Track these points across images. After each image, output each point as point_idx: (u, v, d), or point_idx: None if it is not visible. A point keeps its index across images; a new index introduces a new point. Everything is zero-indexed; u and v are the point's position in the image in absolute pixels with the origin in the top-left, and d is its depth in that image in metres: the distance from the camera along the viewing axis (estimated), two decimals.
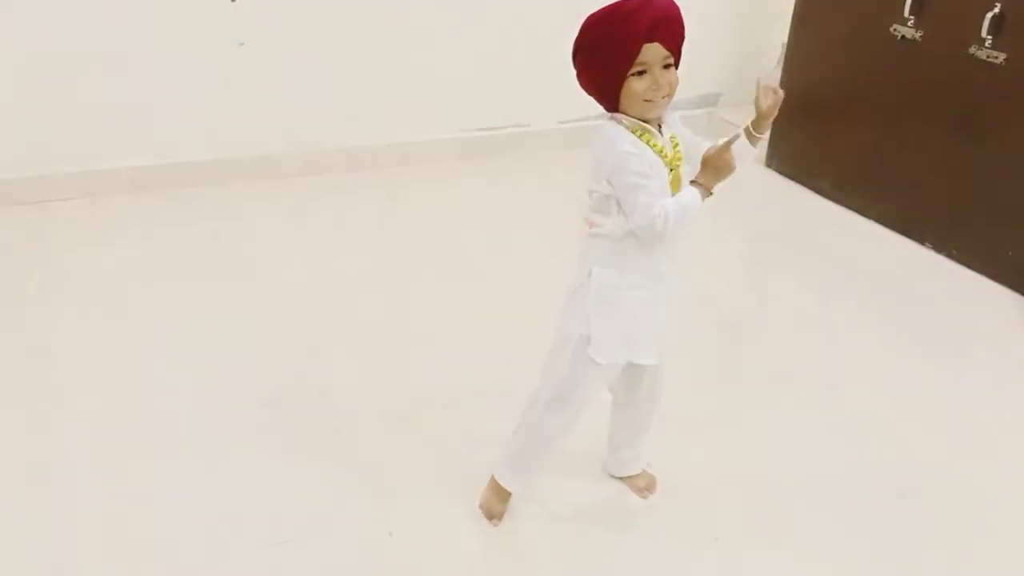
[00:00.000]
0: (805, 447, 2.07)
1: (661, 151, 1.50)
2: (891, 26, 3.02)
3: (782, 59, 3.56)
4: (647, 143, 1.49)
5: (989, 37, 2.71)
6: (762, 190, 3.56)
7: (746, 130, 1.56)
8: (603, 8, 1.47)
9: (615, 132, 1.49)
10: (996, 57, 2.71)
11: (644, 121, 1.49)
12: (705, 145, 1.56)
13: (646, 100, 1.46)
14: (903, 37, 3.00)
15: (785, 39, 3.51)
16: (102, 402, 2.10)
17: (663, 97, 1.48)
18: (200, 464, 1.93)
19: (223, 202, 3.13)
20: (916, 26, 2.95)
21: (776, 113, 1.56)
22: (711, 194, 1.50)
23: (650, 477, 1.91)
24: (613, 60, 1.45)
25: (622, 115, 1.50)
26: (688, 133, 1.60)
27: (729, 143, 1.48)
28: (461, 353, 2.33)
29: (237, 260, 2.76)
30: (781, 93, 1.56)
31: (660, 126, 1.53)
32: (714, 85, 4.03)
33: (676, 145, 1.54)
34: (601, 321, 1.57)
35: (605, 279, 1.56)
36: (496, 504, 1.79)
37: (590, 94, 1.53)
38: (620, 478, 1.92)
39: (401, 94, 3.44)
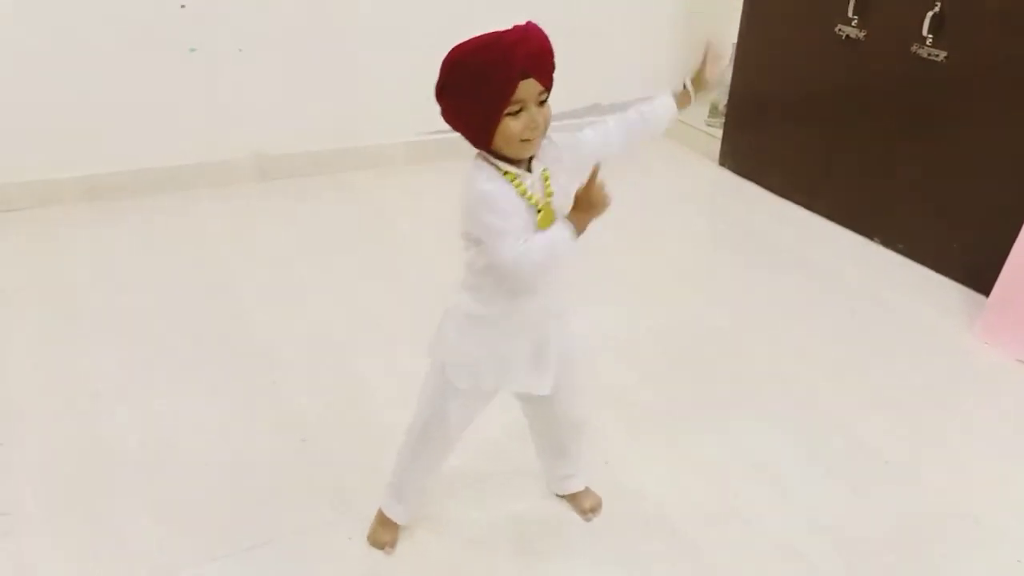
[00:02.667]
0: (763, 446, 2.09)
1: (524, 192, 1.40)
2: (836, 26, 3.08)
3: (731, 59, 3.61)
4: (511, 181, 1.39)
5: (930, 36, 2.78)
6: (715, 188, 3.61)
7: (682, 93, 1.52)
8: (471, 41, 1.34)
9: (476, 171, 1.40)
10: (937, 55, 2.78)
11: (514, 160, 1.40)
12: (590, 140, 1.50)
13: (523, 140, 1.36)
14: (847, 37, 3.06)
15: (735, 39, 3.57)
16: (57, 413, 2.08)
17: (538, 137, 1.39)
18: (155, 476, 1.91)
19: (176, 209, 3.11)
20: (860, 26, 3.02)
21: (717, 82, 1.48)
22: (582, 231, 1.40)
23: (595, 497, 1.86)
24: (487, 99, 1.33)
25: (486, 155, 1.41)
26: (570, 140, 1.49)
27: (594, 175, 1.38)
28: (417, 358, 2.33)
29: (193, 267, 2.74)
30: (726, 61, 1.49)
31: (531, 161, 1.43)
32: (665, 85, 4.06)
33: (547, 179, 1.43)
34: (461, 348, 1.52)
35: (467, 307, 1.50)
36: (383, 535, 1.75)
37: (459, 131, 1.41)
38: (563, 497, 1.87)
39: (355, 98, 3.43)
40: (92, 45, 2.98)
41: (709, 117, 3.91)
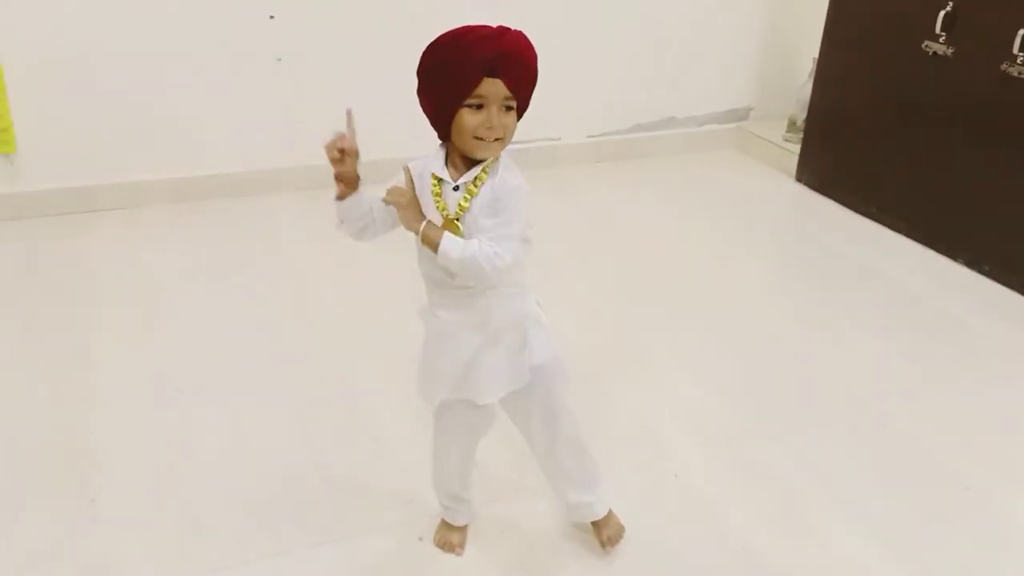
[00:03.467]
0: (833, 466, 2.06)
1: (440, 204, 1.42)
2: (923, 42, 3.02)
3: (811, 74, 3.56)
4: (432, 186, 1.42)
5: (1021, 54, 2.71)
6: (792, 204, 3.57)
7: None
8: (452, 30, 1.37)
9: (424, 160, 1.45)
10: None
11: (464, 161, 1.41)
12: (498, 206, 1.41)
13: (476, 137, 1.36)
14: (934, 53, 3.00)
15: (816, 53, 3.52)
16: (140, 407, 2.16)
17: (495, 140, 1.37)
18: (232, 471, 1.98)
19: (261, 213, 3.20)
20: (947, 42, 2.96)
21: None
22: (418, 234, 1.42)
23: (615, 526, 1.75)
24: (449, 87, 1.35)
25: (439, 147, 1.44)
26: (511, 186, 1.42)
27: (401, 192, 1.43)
28: None
29: (273, 269, 2.82)
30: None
31: (479, 173, 1.41)
32: (744, 99, 4.04)
33: (469, 194, 1.41)
34: (421, 356, 1.58)
35: (423, 308, 1.56)
36: (449, 536, 1.76)
37: (427, 114, 1.43)
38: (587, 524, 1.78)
39: None
40: (180, 51, 3.10)
41: (787, 132, 3.86)
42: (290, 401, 2.20)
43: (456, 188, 1.42)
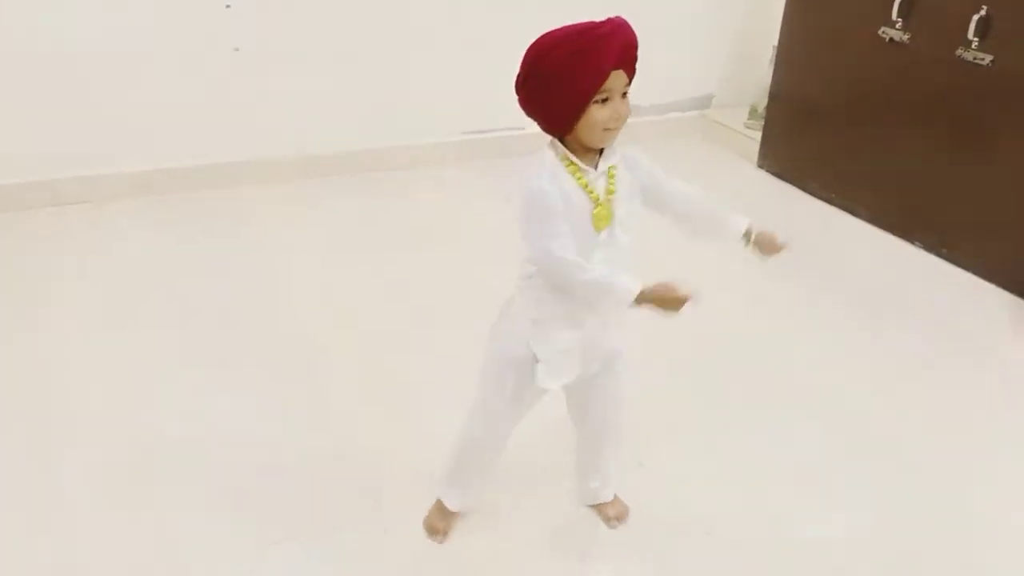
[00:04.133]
0: (800, 452, 2.09)
1: (586, 185, 1.43)
2: (879, 28, 3.06)
3: (771, 61, 3.59)
4: (572, 174, 1.43)
5: (976, 39, 2.75)
6: (754, 191, 3.59)
7: (743, 235, 1.65)
8: (564, 29, 1.38)
9: (539, 162, 1.44)
10: (983, 59, 2.75)
11: (585, 151, 1.43)
12: (675, 190, 1.55)
13: (606, 129, 1.40)
14: (891, 39, 3.03)
15: (776, 41, 3.55)
16: (108, 407, 2.13)
17: (620, 127, 1.42)
18: (198, 468, 1.95)
19: (224, 206, 3.16)
20: (904, 28, 2.99)
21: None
22: (640, 304, 1.41)
23: (622, 506, 1.86)
24: (579, 86, 1.36)
25: (558, 144, 1.44)
26: (646, 163, 1.53)
27: (683, 297, 1.44)
28: (461, 355, 2.35)
29: (239, 262, 2.79)
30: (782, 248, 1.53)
31: (599, 156, 1.45)
32: (706, 87, 4.06)
33: (612, 178, 1.45)
34: (513, 334, 1.57)
35: (522, 308, 1.55)
36: (437, 521, 1.78)
37: (536, 119, 1.44)
38: (591, 507, 1.87)
39: (399, 97, 3.46)
40: (138, 43, 3.04)
41: (748, 119, 3.89)
42: (258, 396, 2.18)
43: (600, 174, 1.45)
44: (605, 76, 1.36)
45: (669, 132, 3.98)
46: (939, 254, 3.01)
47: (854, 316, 2.66)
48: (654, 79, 3.91)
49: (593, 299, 1.46)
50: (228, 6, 3.10)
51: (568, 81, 1.37)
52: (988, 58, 2.74)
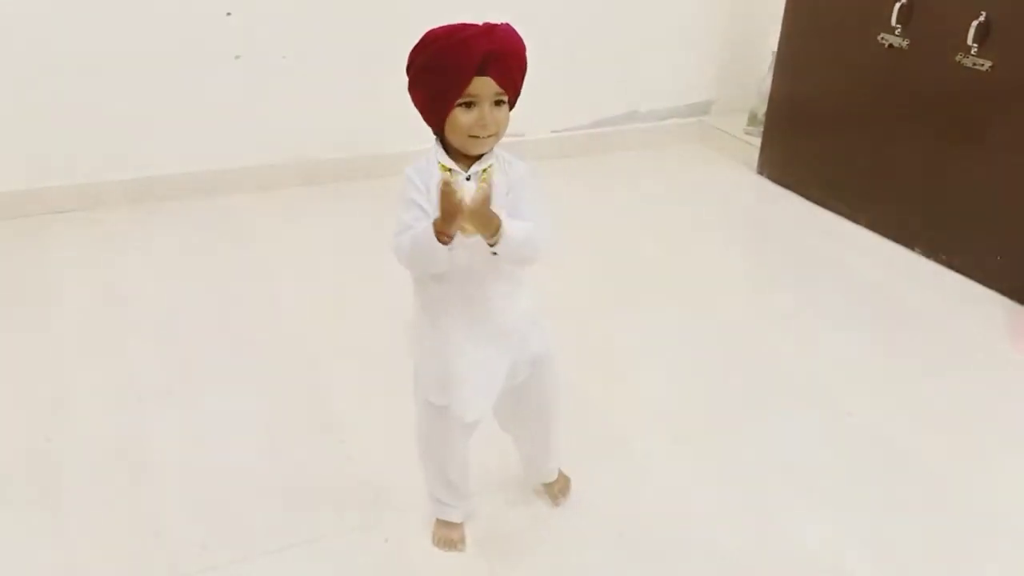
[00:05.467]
0: (798, 456, 2.08)
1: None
2: (879, 35, 3.06)
3: (771, 67, 3.60)
4: (441, 169, 1.41)
5: (975, 45, 2.75)
6: (753, 196, 3.59)
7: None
8: (442, 27, 1.37)
9: (426, 155, 1.44)
10: (982, 65, 2.75)
11: (461, 154, 1.42)
12: (525, 193, 1.45)
13: (471, 135, 1.38)
14: (890, 45, 3.04)
15: (775, 47, 3.55)
16: (105, 413, 2.13)
17: (489, 136, 1.39)
18: (196, 475, 1.95)
19: (222, 213, 3.16)
20: (903, 35, 2.99)
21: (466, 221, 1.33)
22: (449, 238, 1.35)
23: (563, 481, 1.85)
24: (441, 86, 1.35)
25: (437, 144, 1.43)
26: (520, 175, 1.46)
27: (448, 191, 1.31)
28: None
29: (237, 269, 2.79)
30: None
31: (474, 160, 1.43)
32: (706, 93, 4.07)
33: (483, 181, 1.41)
34: (420, 359, 1.54)
35: (415, 315, 1.52)
36: (448, 533, 1.75)
37: (419, 111, 1.44)
38: (537, 487, 1.87)
39: (397, 105, 3.46)
40: (139, 50, 3.05)
41: (748, 125, 3.89)
42: (255, 403, 2.17)
43: (468, 178, 1.43)
44: (466, 81, 1.33)
45: (668, 138, 3.99)
46: (938, 260, 3.01)
47: (853, 321, 2.66)
48: (653, 85, 3.95)
49: (418, 256, 1.39)
50: (229, 14, 3.11)
51: (433, 79, 1.36)
52: (987, 64, 2.74)
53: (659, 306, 2.69)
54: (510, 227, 1.36)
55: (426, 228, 1.36)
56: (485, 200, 1.31)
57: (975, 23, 2.73)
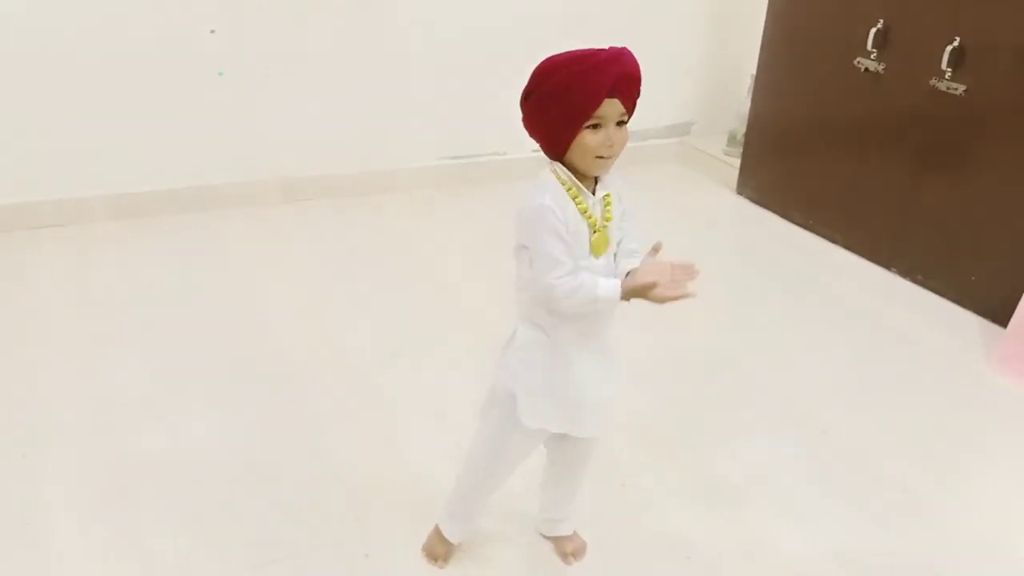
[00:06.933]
0: (775, 472, 2.11)
1: (585, 211, 1.43)
2: (855, 59, 3.12)
3: (750, 90, 3.65)
4: (573, 199, 1.42)
5: (949, 69, 2.81)
6: (732, 217, 3.63)
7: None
8: (568, 53, 1.40)
9: (540, 183, 1.43)
10: (956, 89, 2.81)
11: (582, 177, 1.43)
12: (638, 213, 1.52)
13: (598, 156, 1.40)
14: (866, 69, 3.09)
15: (754, 70, 3.60)
16: (86, 428, 2.11)
17: (613, 155, 1.42)
18: (178, 490, 1.94)
19: (204, 229, 3.16)
20: (879, 59, 3.05)
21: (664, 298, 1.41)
22: (629, 298, 1.42)
23: (579, 542, 1.83)
24: (571, 110, 1.38)
25: (559, 167, 1.44)
26: (628, 195, 1.52)
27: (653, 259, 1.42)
28: (441, 376, 2.36)
29: (220, 285, 2.79)
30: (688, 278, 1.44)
31: (596, 182, 1.46)
32: (686, 114, 4.11)
33: (608, 205, 1.46)
34: (528, 382, 1.52)
35: (529, 336, 1.51)
36: (438, 547, 1.76)
37: (535, 139, 1.45)
38: (548, 538, 1.84)
39: (379, 122, 3.49)
40: (122, 67, 3.05)
41: (727, 146, 3.94)
42: (237, 418, 2.17)
43: (594, 193, 1.46)
44: (597, 102, 1.37)
45: (649, 158, 4.02)
46: (914, 280, 3.06)
47: (831, 340, 2.69)
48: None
49: (584, 306, 1.42)
50: (212, 31, 3.13)
51: (562, 104, 1.38)
52: (961, 88, 2.80)
53: (637, 324, 2.70)
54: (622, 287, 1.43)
55: (612, 292, 1.40)
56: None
57: (949, 48, 2.79)
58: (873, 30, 3.02)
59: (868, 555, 1.87)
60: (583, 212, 1.43)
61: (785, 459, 2.14)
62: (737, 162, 3.78)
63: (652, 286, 1.39)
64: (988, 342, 2.70)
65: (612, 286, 1.40)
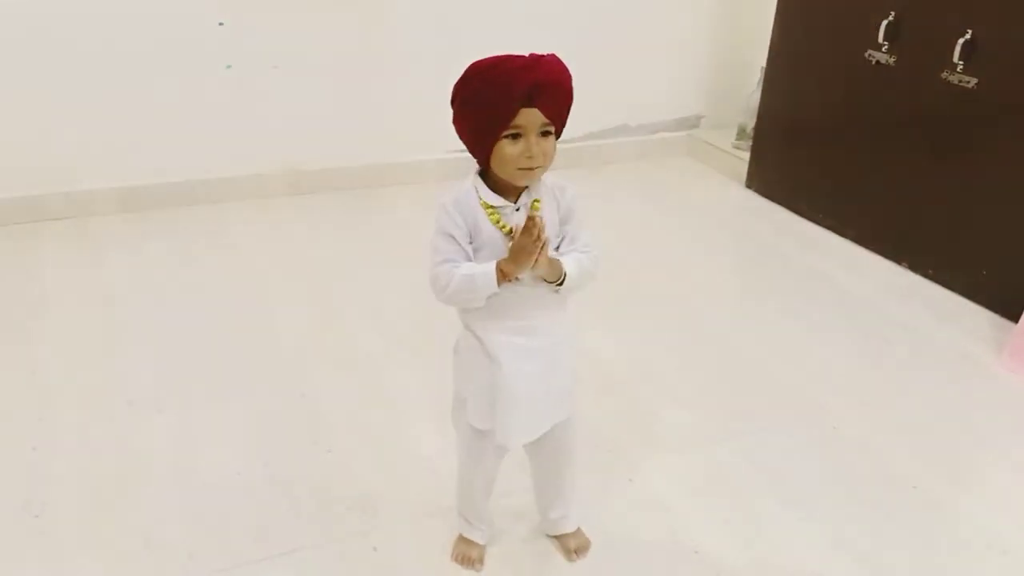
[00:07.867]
0: (784, 467, 2.09)
1: (497, 221, 1.40)
2: (866, 51, 3.09)
3: (759, 83, 3.63)
4: (484, 208, 1.39)
5: (961, 62, 2.79)
6: (742, 210, 3.62)
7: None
8: (488, 59, 1.35)
9: (459, 185, 1.41)
10: (968, 82, 2.79)
11: (506, 185, 1.40)
12: (576, 217, 1.47)
13: (519, 168, 1.36)
14: (877, 62, 3.07)
15: (764, 63, 3.58)
16: (88, 421, 2.12)
17: (536, 167, 1.37)
18: (184, 484, 1.95)
19: (211, 222, 3.17)
20: (890, 52, 3.03)
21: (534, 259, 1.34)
22: (516, 279, 1.38)
23: (583, 539, 1.80)
24: (487, 118, 1.34)
25: (479, 180, 1.42)
26: (571, 195, 1.47)
27: (530, 226, 1.33)
28: (447, 370, 2.36)
29: (225, 278, 2.79)
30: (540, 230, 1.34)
31: (524, 191, 1.42)
32: (695, 107, 4.10)
33: (535, 210, 1.41)
34: (470, 386, 1.52)
35: (464, 341, 1.50)
36: (468, 551, 1.74)
37: (463, 144, 1.42)
38: (552, 536, 1.82)
39: (386, 116, 3.48)
40: (130, 59, 3.05)
41: (736, 139, 3.92)
42: (244, 412, 2.17)
43: (517, 209, 1.42)
44: (512, 112, 1.32)
45: (658, 152, 4.01)
46: (924, 274, 3.04)
47: (840, 334, 2.68)
48: (643, 99, 3.98)
49: (463, 293, 1.40)
50: (221, 23, 3.12)
51: (477, 112, 1.36)
52: (973, 81, 2.78)
53: (646, 317, 2.71)
54: (571, 267, 1.41)
55: (488, 271, 1.37)
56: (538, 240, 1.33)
57: (961, 41, 2.77)
58: (884, 22, 3.00)
59: (879, 551, 1.86)
60: (496, 222, 1.40)
61: (794, 455, 2.13)
62: (746, 155, 3.76)
63: (514, 258, 1.36)
64: (999, 337, 2.68)
65: (487, 266, 1.38)
